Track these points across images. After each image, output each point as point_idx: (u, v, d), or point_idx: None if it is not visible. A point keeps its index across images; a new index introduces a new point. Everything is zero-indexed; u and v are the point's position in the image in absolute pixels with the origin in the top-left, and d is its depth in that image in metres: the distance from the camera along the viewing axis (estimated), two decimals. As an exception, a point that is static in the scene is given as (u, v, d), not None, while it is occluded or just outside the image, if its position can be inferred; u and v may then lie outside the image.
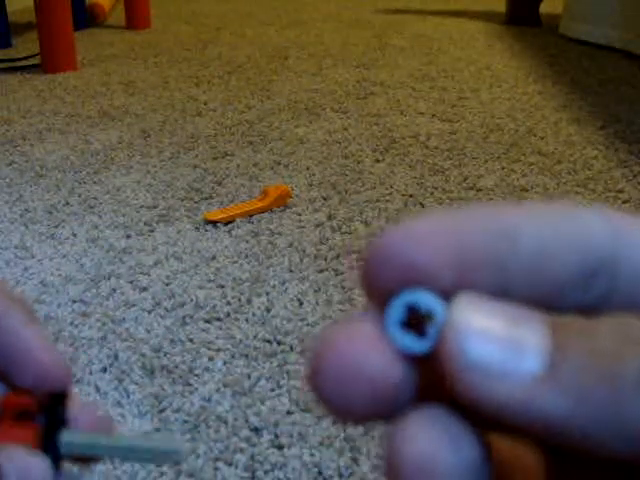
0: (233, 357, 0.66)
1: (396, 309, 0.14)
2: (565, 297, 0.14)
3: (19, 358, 0.24)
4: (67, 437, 0.23)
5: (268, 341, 0.68)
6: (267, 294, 0.76)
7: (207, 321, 0.71)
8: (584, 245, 0.14)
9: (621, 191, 1.01)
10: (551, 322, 0.14)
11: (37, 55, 1.69)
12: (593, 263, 0.14)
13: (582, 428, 0.13)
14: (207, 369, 0.64)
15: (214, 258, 0.83)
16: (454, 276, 0.14)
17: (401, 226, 0.15)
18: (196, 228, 0.91)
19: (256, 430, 0.57)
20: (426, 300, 0.14)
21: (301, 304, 0.74)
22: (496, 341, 0.13)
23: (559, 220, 0.15)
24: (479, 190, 1.02)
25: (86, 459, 0.24)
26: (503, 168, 1.10)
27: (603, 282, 0.14)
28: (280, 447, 0.55)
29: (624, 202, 0.98)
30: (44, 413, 0.23)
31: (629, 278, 0.14)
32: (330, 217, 0.93)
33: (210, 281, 0.79)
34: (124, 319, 0.72)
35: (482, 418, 0.14)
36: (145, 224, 0.92)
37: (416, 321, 0.14)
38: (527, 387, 0.13)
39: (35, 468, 0.23)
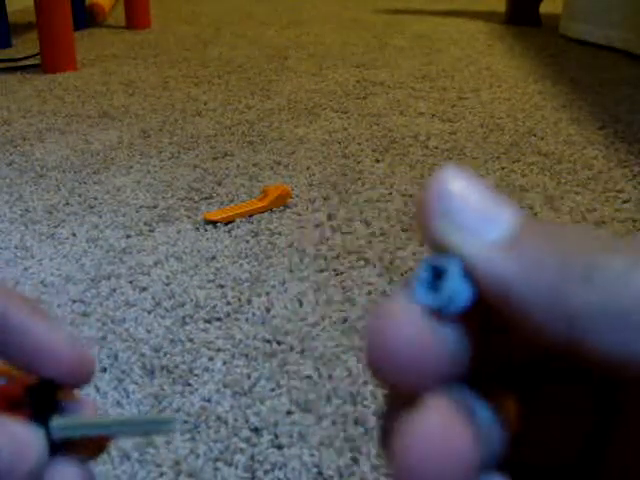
0: (233, 357, 0.66)
1: (422, 271, 0.16)
2: None
3: (38, 356, 0.23)
4: (57, 422, 0.23)
5: (268, 341, 0.68)
6: (267, 294, 0.76)
7: (207, 321, 0.71)
8: None
9: (621, 191, 1.01)
10: (527, 214, 0.15)
11: (37, 55, 1.69)
12: None
13: (529, 298, 0.14)
14: (207, 369, 0.64)
15: (214, 258, 0.83)
16: None
17: None
18: (196, 228, 0.91)
19: (256, 430, 0.57)
20: (445, 261, 0.15)
21: (301, 304, 0.74)
22: (473, 202, 0.15)
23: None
24: (479, 190, 1.02)
25: (83, 449, 0.24)
26: (503, 168, 1.10)
27: None
28: (280, 447, 0.55)
29: (624, 202, 0.98)
30: (32, 400, 0.23)
31: None
32: (330, 217, 0.93)
33: (210, 281, 0.79)
34: (124, 319, 0.72)
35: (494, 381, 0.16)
36: (145, 224, 0.92)
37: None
38: (491, 248, 0.15)
39: (29, 438, 0.22)
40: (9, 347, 0.23)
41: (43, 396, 0.23)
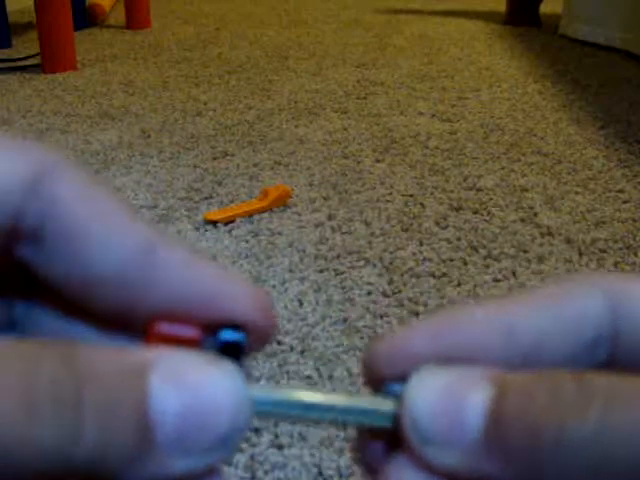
0: (233, 357, 0.66)
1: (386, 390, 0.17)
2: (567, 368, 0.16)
3: (204, 298, 0.17)
4: (262, 391, 0.16)
5: (268, 341, 0.68)
6: (267, 294, 0.76)
7: (207, 321, 0.71)
8: (580, 325, 0.16)
9: (621, 191, 1.01)
10: (497, 383, 0.15)
11: (37, 55, 1.69)
12: (591, 338, 0.17)
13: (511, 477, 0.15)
14: (207, 369, 0.64)
15: (214, 258, 0.83)
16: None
17: (401, 331, 0.17)
18: (196, 228, 0.91)
19: (256, 430, 0.57)
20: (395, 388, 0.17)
21: (301, 304, 0.74)
22: (441, 416, 0.15)
23: (554, 307, 0.17)
24: (479, 190, 1.02)
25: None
26: (503, 168, 1.10)
27: (604, 350, 0.17)
28: (280, 447, 0.55)
29: (624, 202, 0.98)
30: (223, 350, 0.16)
31: (629, 342, 0.16)
32: (330, 217, 0.93)
33: (210, 281, 0.78)
34: (124, 319, 0.72)
35: None
36: (145, 224, 0.92)
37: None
38: (468, 453, 0.15)
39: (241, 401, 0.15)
40: (158, 291, 0.16)
41: (231, 349, 0.16)
